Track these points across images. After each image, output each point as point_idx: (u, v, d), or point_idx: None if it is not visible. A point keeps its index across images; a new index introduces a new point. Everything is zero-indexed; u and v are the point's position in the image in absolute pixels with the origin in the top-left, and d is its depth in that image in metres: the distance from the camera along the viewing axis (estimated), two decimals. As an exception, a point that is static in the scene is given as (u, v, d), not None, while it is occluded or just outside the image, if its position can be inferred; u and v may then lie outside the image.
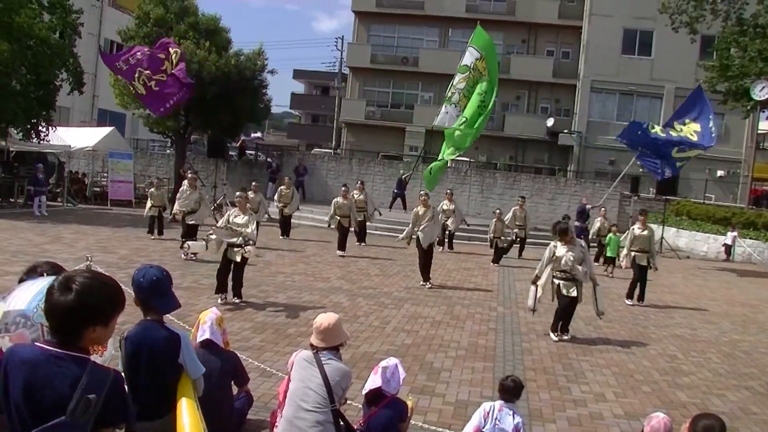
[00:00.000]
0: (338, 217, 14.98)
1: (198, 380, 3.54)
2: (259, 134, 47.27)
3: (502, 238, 15.60)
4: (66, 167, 23.61)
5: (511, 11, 34.31)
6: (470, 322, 9.04)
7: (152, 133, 27.39)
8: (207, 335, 4.58)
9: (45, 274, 3.10)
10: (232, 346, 5.35)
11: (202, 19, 24.46)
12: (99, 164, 26.19)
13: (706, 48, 26.47)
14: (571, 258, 8.22)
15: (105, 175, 24.53)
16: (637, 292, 11.54)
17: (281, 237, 16.41)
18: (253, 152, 31.95)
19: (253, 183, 15.65)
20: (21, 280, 3.11)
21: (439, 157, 13.31)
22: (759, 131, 27.77)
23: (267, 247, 14.11)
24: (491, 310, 9.95)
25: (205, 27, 24.20)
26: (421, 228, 11.51)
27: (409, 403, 4.51)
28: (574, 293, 8.38)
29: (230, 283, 9.00)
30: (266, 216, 16.03)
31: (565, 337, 8.42)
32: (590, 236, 16.74)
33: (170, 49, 14.86)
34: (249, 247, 8.81)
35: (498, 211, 16.35)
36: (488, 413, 4.25)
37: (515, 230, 16.37)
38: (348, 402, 4.69)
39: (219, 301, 8.80)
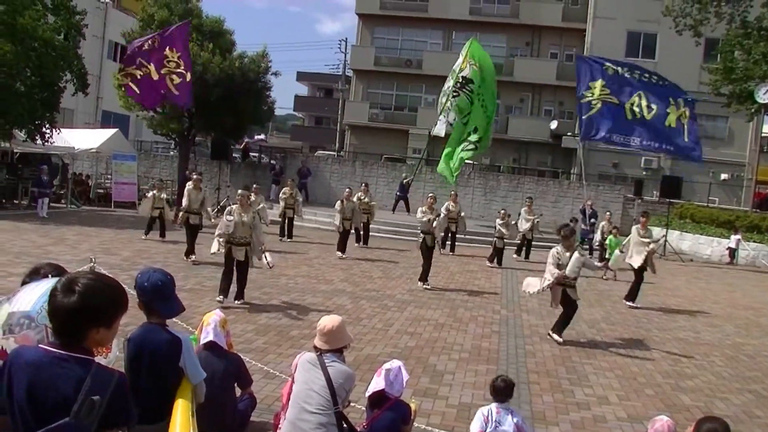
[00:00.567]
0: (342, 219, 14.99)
1: (199, 386, 3.46)
2: (262, 136, 47.25)
3: (503, 239, 15.61)
4: (70, 169, 23.63)
5: (515, 14, 34.34)
6: (473, 324, 9.03)
7: (156, 134, 27.44)
8: (210, 337, 4.58)
9: (48, 275, 3.10)
10: (235, 348, 5.35)
11: (206, 21, 24.52)
12: (103, 166, 26.29)
13: (710, 51, 26.45)
14: (577, 268, 8.26)
15: (109, 176, 24.59)
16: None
17: (280, 239, 16.37)
18: (256, 154, 31.98)
19: (254, 185, 15.60)
20: (24, 282, 3.11)
21: (454, 158, 12.96)
22: (763, 134, 27.66)
23: (269, 249, 14.06)
24: (494, 313, 9.93)
25: (208, 29, 24.28)
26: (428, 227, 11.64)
27: (413, 406, 4.50)
28: (576, 296, 8.51)
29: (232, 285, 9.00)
30: (268, 222, 15.96)
31: (560, 340, 8.41)
32: (593, 242, 16.88)
33: (173, 50, 15.00)
34: (267, 255, 9.05)
35: (503, 211, 16.39)
36: (487, 417, 4.25)
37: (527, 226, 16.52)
38: (351, 404, 4.69)
39: (218, 299, 8.81)
